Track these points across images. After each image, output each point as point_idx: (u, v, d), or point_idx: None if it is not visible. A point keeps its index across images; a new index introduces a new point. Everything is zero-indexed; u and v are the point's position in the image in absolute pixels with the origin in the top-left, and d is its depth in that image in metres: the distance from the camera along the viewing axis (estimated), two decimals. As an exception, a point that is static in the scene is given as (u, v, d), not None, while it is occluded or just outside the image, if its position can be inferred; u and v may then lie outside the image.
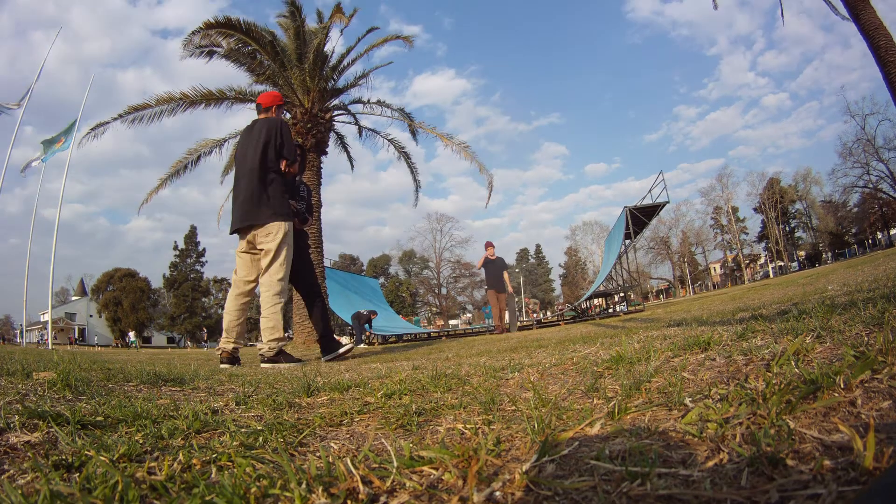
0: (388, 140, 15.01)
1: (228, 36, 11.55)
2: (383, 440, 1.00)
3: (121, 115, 11.71)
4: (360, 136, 15.33)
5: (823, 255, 48.20)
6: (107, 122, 11.83)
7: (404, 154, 15.17)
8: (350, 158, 16.14)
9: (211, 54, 12.02)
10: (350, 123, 15.14)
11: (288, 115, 13.11)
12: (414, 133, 14.55)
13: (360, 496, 0.65)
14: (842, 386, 0.86)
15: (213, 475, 0.76)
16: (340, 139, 15.42)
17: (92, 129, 11.90)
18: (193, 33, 11.27)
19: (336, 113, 13.88)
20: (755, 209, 51.71)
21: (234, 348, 4.46)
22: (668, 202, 17.37)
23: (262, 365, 4.13)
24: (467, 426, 1.07)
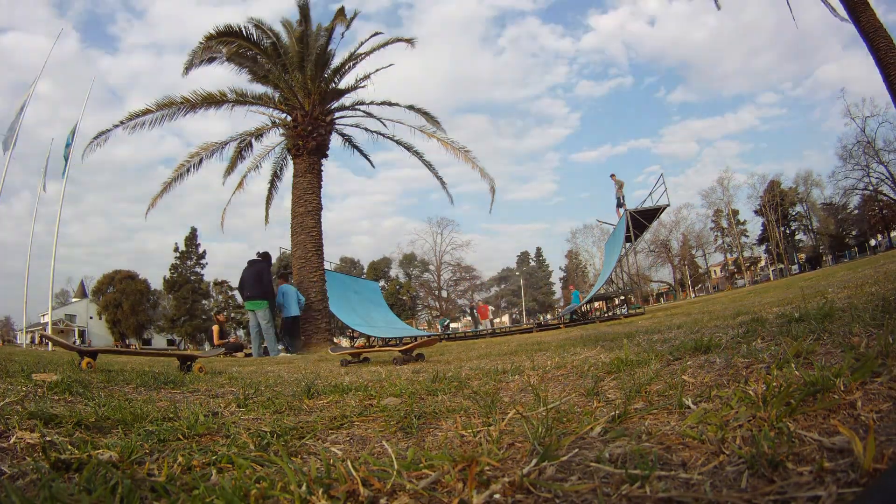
0: (397, 141, 14.91)
1: (229, 43, 11.62)
2: (384, 443, 1.00)
3: (122, 122, 11.70)
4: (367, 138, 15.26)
5: (824, 258, 48.14)
6: (108, 130, 11.80)
7: (416, 153, 15.01)
8: (367, 157, 16.01)
9: (212, 60, 12.08)
10: (353, 126, 15.10)
11: (288, 118, 13.14)
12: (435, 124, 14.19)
13: (361, 498, 0.65)
14: (842, 388, 0.86)
15: (213, 477, 0.76)
16: (348, 140, 15.35)
17: (94, 139, 11.88)
18: (198, 45, 11.39)
19: (337, 115, 13.89)
20: (756, 212, 51.69)
21: None
22: (668, 205, 17.34)
23: None
24: (467, 429, 1.07)
